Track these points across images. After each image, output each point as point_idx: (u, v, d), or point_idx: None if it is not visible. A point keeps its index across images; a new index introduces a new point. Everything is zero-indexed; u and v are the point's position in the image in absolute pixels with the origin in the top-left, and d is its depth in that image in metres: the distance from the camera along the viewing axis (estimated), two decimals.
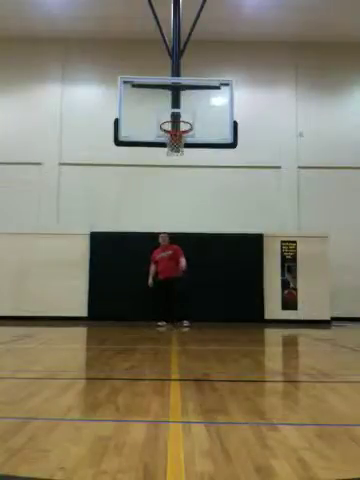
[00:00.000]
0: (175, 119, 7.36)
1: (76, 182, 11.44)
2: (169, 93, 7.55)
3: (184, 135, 7.18)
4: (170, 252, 8.91)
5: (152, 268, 8.98)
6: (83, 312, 9.99)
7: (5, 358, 4.55)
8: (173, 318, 8.71)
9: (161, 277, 8.86)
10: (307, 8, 10.45)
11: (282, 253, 10.33)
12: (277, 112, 11.74)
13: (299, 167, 11.61)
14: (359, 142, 11.62)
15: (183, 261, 8.72)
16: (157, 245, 9.14)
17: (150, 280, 8.90)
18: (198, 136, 7.24)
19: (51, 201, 11.40)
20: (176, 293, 8.70)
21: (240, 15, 10.79)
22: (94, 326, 8.62)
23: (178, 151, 7.17)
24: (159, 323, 8.65)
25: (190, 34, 7.86)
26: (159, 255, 8.95)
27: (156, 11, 7.91)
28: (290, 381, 3.52)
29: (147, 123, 7.04)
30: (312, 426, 2.15)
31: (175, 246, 8.99)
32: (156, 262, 8.98)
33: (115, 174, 11.43)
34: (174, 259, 8.87)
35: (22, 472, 1.53)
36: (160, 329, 8.26)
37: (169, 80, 7.64)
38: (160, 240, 9.06)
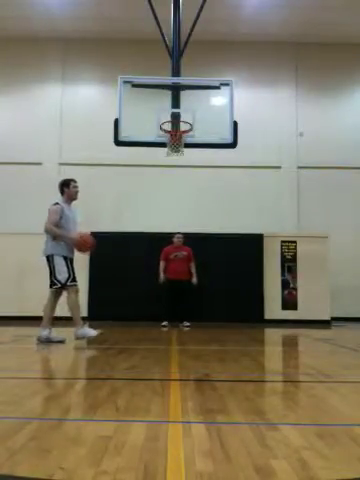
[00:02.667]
0: (175, 119, 7.35)
1: None
2: (169, 93, 7.54)
3: (184, 135, 7.18)
4: (185, 253, 8.87)
5: (162, 265, 8.83)
6: (83, 312, 9.94)
7: (6, 358, 4.56)
8: (182, 319, 8.70)
9: (170, 277, 8.78)
10: (308, 8, 10.45)
11: (282, 253, 10.33)
12: (277, 112, 11.74)
13: (299, 167, 11.61)
14: (359, 142, 11.62)
15: (193, 266, 8.84)
16: (167, 243, 9.05)
17: (162, 276, 8.74)
18: (198, 136, 7.23)
19: (51, 201, 11.34)
20: (188, 295, 8.73)
21: (240, 15, 10.79)
22: (94, 326, 8.61)
23: (178, 151, 7.16)
24: (163, 323, 8.64)
25: (190, 34, 7.84)
26: (173, 254, 8.85)
27: (156, 11, 7.90)
28: (290, 381, 3.52)
29: (147, 123, 7.03)
30: (312, 426, 2.15)
31: (188, 248, 8.94)
32: (167, 260, 8.90)
33: (115, 174, 11.43)
34: (186, 261, 8.85)
35: (22, 472, 1.53)
36: (164, 329, 8.27)
37: (169, 80, 7.63)
38: (175, 240, 8.96)
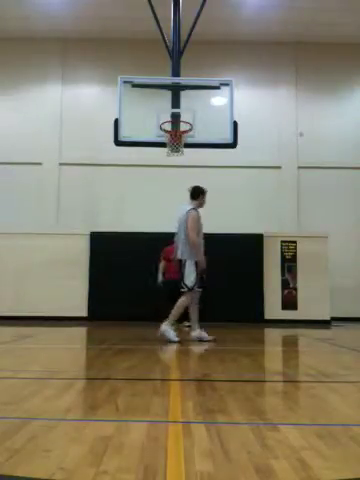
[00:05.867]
0: (175, 119, 7.35)
1: (76, 182, 11.44)
2: (169, 93, 7.54)
3: (184, 135, 7.18)
4: None
5: (162, 265, 8.78)
6: (83, 312, 9.99)
7: (5, 358, 4.55)
8: (181, 319, 8.68)
9: (170, 277, 8.75)
10: (307, 8, 10.46)
11: (282, 253, 10.33)
12: (277, 112, 11.74)
13: (299, 167, 11.61)
14: (359, 142, 11.62)
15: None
16: (168, 243, 9.02)
17: (160, 277, 8.72)
18: (198, 136, 7.24)
19: (51, 201, 11.40)
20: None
21: (240, 15, 10.79)
22: (94, 326, 8.62)
23: (178, 151, 7.17)
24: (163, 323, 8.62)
25: (190, 34, 7.85)
26: (173, 254, 8.82)
27: (156, 11, 7.90)
28: (290, 381, 3.52)
29: (147, 123, 7.03)
30: (312, 426, 2.15)
31: None
32: (168, 260, 8.85)
33: (115, 174, 11.43)
34: None
35: (22, 472, 1.53)
36: None
37: (169, 80, 7.63)
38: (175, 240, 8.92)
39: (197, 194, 6.37)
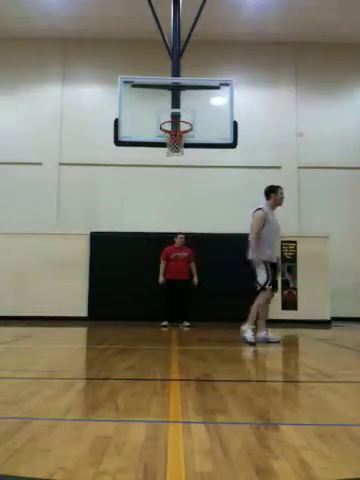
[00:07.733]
0: (175, 119, 7.35)
1: (76, 182, 11.44)
2: (169, 93, 7.54)
3: (184, 135, 7.18)
4: (185, 254, 8.85)
5: (163, 265, 8.80)
6: (83, 312, 9.99)
7: (5, 358, 4.55)
8: (182, 319, 8.69)
9: (170, 277, 8.76)
10: (307, 8, 10.46)
11: (282, 253, 10.32)
12: (277, 112, 11.74)
13: (299, 167, 11.61)
14: (359, 142, 11.62)
15: (194, 267, 8.81)
16: (168, 244, 9.04)
17: (161, 278, 8.72)
18: (198, 136, 7.23)
19: (51, 201, 11.40)
20: (187, 296, 8.70)
21: (240, 15, 10.79)
22: (94, 326, 8.62)
23: (178, 151, 7.16)
24: (163, 323, 8.64)
25: (190, 34, 7.84)
26: (173, 254, 8.83)
27: (156, 11, 7.90)
28: (290, 381, 3.52)
29: (147, 123, 7.03)
30: (312, 426, 2.15)
31: (189, 249, 8.91)
32: (168, 260, 8.86)
33: (115, 174, 11.43)
34: (187, 261, 8.83)
35: (22, 472, 1.53)
36: (164, 329, 8.27)
37: (169, 80, 7.63)
38: (177, 240, 8.90)
39: (267, 194, 6.34)
